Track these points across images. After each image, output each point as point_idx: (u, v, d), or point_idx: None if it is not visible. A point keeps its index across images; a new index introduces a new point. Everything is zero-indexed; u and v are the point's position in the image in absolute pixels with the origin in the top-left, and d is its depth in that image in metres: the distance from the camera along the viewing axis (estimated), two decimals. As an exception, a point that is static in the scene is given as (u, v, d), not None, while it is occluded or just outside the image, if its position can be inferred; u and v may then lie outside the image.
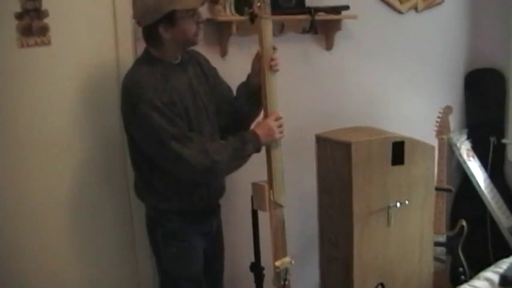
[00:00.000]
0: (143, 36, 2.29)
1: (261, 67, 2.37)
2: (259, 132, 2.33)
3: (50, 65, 2.55)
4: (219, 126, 2.49)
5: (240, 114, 2.52)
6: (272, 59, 2.36)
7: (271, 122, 2.36)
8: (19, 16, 2.46)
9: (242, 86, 2.54)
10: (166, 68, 2.26)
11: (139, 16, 2.23)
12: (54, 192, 2.66)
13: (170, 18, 2.16)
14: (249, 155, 2.33)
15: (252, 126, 2.44)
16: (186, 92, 2.29)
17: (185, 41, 2.26)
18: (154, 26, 2.18)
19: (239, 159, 2.31)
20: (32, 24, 2.49)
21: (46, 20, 2.52)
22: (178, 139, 2.15)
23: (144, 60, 2.28)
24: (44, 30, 2.52)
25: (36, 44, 2.52)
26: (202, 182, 2.38)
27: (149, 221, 2.48)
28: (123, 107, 2.27)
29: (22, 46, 2.49)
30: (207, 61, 2.55)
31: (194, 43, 2.32)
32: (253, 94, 2.46)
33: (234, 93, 2.58)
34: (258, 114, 2.51)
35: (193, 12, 2.22)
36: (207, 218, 2.50)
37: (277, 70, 2.39)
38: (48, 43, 2.54)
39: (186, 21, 2.20)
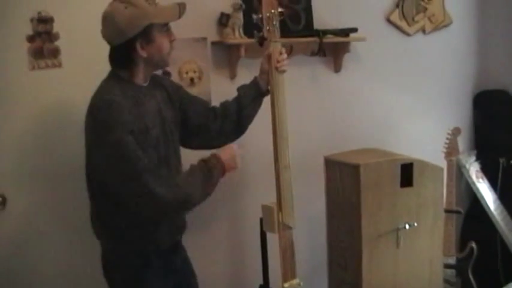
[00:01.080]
0: (112, 57, 2.14)
1: (269, 68, 2.39)
2: (222, 156, 2.25)
3: (61, 88, 2.56)
4: (211, 136, 2.46)
5: (242, 114, 2.47)
6: (278, 61, 2.36)
7: (237, 150, 2.31)
8: (30, 39, 2.47)
9: (248, 88, 2.50)
10: (136, 90, 2.13)
11: (111, 35, 2.09)
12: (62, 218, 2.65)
13: (147, 33, 2.06)
14: (217, 182, 2.22)
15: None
16: (156, 118, 2.17)
17: (160, 59, 2.15)
18: (129, 44, 2.06)
19: (208, 187, 2.18)
20: (43, 46, 2.50)
21: (57, 43, 2.53)
22: (150, 172, 1.99)
23: (113, 80, 2.13)
24: (55, 52, 2.53)
25: (47, 66, 2.52)
26: (168, 218, 2.22)
27: (106, 262, 2.26)
28: (91, 130, 2.06)
29: (33, 68, 2.49)
30: (172, 83, 2.47)
31: (167, 63, 2.24)
32: (260, 95, 2.47)
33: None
34: (256, 113, 2.51)
35: (167, 28, 2.15)
36: (170, 256, 2.31)
37: (284, 71, 2.39)
38: (59, 65, 2.55)
39: (162, 36, 2.12)
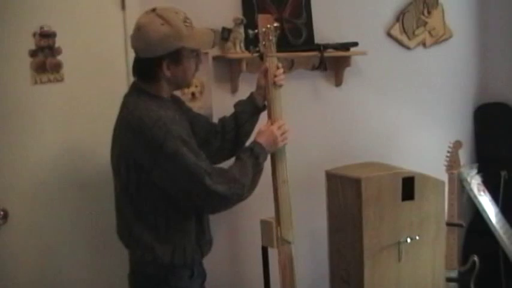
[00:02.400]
0: (136, 68, 2.12)
1: (266, 83, 2.37)
2: (263, 141, 2.24)
3: (62, 102, 2.55)
4: (211, 152, 2.39)
5: (240, 131, 2.44)
6: (275, 76, 2.35)
7: (275, 131, 2.29)
8: (33, 53, 2.47)
9: (244, 104, 2.47)
10: (165, 104, 2.12)
11: (140, 47, 2.06)
12: (64, 231, 2.63)
13: (176, 55, 2.04)
14: (263, 168, 2.23)
15: (255, 135, 2.34)
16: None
17: (183, 81, 2.15)
18: (156, 61, 2.04)
19: (257, 174, 2.19)
20: (46, 61, 2.50)
21: (59, 57, 2.53)
22: (210, 174, 2.00)
23: (144, 96, 2.09)
24: (57, 67, 2.52)
25: (49, 80, 2.51)
26: (227, 209, 2.19)
27: (149, 280, 2.17)
28: (143, 150, 2.00)
29: (35, 83, 2.49)
30: (177, 95, 2.43)
31: (189, 85, 2.25)
32: (257, 111, 2.45)
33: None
34: (253, 129, 2.48)
35: (197, 53, 2.13)
36: (202, 267, 2.34)
37: (281, 85, 2.37)
38: (61, 80, 2.54)
39: (190, 60, 2.10)
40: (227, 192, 2.04)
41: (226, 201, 2.08)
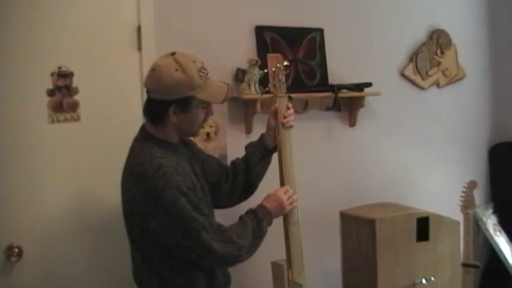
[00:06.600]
0: (146, 108, 2.09)
1: (276, 124, 2.32)
2: (269, 206, 2.15)
3: (79, 141, 2.53)
4: (222, 196, 2.35)
5: (251, 174, 2.37)
6: (285, 116, 2.29)
7: (282, 196, 2.21)
8: (51, 93, 2.46)
9: (254, 147, 2.41)
10: (172, 149, 2.06)
11: (151, 87, 2.04)
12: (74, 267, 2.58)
13: (185, 103, 1.99)
14: (265, 233, 2.15)
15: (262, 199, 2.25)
16: (192, 176, 2.08)
17: (189, 129, 2.10)
18: (164, 104, 2.00)
19: (258, 238, 2.11)
20: (63, 100, 2.48)
21: (76, 97, 2.51)
22: (207, 230, 1.93)
23: (150, 142, 2.04)
24: (74, 106, 2.50)
25: (66, 120, 2.49)
26: (223, 267, 2.19)
27: None
28: (143, 198, 1.96)
29: (52, 122, 2.47)
30: (189, 139, 2.36)
31: (195, 134, 2.18)
32: (267, 153, 2.38)
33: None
34: (265, 171, 2.42)
35: (208, 104, 2.07)
36: None
37: (290, 126, 2.31)
38: (78, 119, 2.52)
39: (199, 110, 2.04)
40: (222, 250, 1.96)
41: (222, 259, 2.00)
